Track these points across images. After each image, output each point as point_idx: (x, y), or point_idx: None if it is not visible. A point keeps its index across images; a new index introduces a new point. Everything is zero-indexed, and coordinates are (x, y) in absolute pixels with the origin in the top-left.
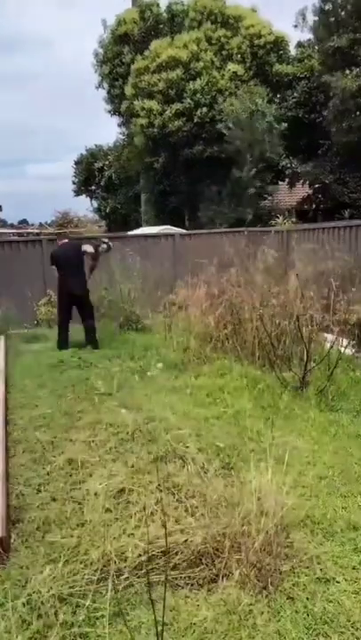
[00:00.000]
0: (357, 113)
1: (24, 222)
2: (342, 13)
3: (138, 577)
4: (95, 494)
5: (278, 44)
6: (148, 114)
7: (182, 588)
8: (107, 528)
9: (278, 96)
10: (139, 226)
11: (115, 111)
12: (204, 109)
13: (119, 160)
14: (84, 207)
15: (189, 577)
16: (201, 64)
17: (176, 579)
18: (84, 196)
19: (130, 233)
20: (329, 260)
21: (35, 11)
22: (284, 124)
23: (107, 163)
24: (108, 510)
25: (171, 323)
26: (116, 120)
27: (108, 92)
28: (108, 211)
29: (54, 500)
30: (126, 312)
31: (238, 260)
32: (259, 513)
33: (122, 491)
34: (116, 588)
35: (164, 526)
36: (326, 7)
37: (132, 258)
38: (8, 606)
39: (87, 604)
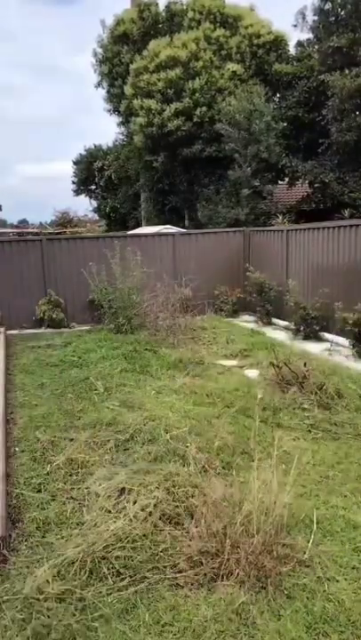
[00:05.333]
0: (357, 112)
1: (24, 222)
2: (342, 13)
3: (137, 576)
4: (95, 494)
5: (278, 43)
6: (148, 113)
7: (182, 587)
8: (107, 527)
9: (278, 95)
10: (138, 225)
11: (114, 110)
12: (204, 109)
13: (118, 159)
14: (83, 207)
15: (190, 576)
16: (200, 63)
17: (176, 578)
18: (83, 195)
19: (129, 232)
20: (329, 260)
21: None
22: (283, 124)
23: (106, 162)
24: (107, 511)
25: None
26: (115, 119)
27: (108, 92)
28: (107, 210)
29: (54, 499)
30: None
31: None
32: (259, 513)
33: (122, 490)
34: (118, 587)
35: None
36: (326, 7)
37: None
38: (8, 605)
39: (87, 603)
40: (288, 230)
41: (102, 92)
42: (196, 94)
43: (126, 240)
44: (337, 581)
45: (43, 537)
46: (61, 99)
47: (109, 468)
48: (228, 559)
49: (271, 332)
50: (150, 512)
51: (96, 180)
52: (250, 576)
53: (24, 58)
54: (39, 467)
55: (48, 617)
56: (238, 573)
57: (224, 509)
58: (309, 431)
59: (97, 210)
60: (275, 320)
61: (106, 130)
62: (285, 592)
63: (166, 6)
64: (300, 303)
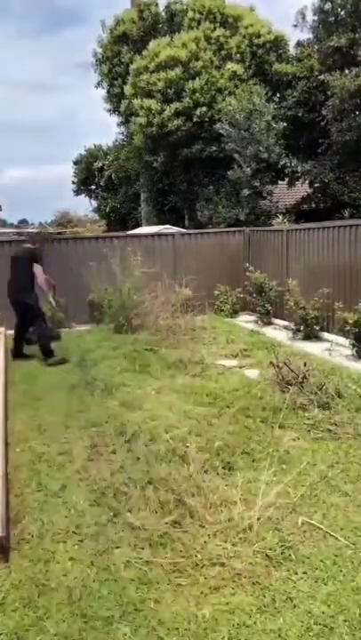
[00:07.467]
0: (357, 112)
1: (24, 222)
2: (342, 13)
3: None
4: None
5: (278, 43)
6: (147, 113)
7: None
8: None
9: (278, 95)
10: (138, 225)
11: (114, 110)
12: (204, 109)
13: (118, 159)
14: (83, 207)
15: (190, 577)
16: (200, 63)
17: (178, 578)
18: (83, 195)
19: (129, 232)
20: (329, 260)
21: None
22: (283, 124)
23: (106, 162)
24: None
25: None
26: (115, 119)
27: (108, 92)
28: (107, 210)
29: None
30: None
31: None
32: (258, 513)
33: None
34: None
35: None
36: (326, 7)
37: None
38: (8, 606)
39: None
40: (288, 230)
41: (102, 92)
42: (196, 94)
43: (126, 240)
44: (339, 581)
45: (43, 536)
46: (60, 103)
47: (110, 467)
48: (227, 559)
49: (271, 332)
50: None
51: (96, 180)
52: (249, 576)
53: (23, 76)
54: (39, 467)
55: (49, 618)
56: (238, 573)
57: (224, 509)
58: (309, 431)
59: (97, 210)
60: (275, 320)
61: (106, 130)
62: (285, 593)
63: (166, 6)
64: (300, 303)
